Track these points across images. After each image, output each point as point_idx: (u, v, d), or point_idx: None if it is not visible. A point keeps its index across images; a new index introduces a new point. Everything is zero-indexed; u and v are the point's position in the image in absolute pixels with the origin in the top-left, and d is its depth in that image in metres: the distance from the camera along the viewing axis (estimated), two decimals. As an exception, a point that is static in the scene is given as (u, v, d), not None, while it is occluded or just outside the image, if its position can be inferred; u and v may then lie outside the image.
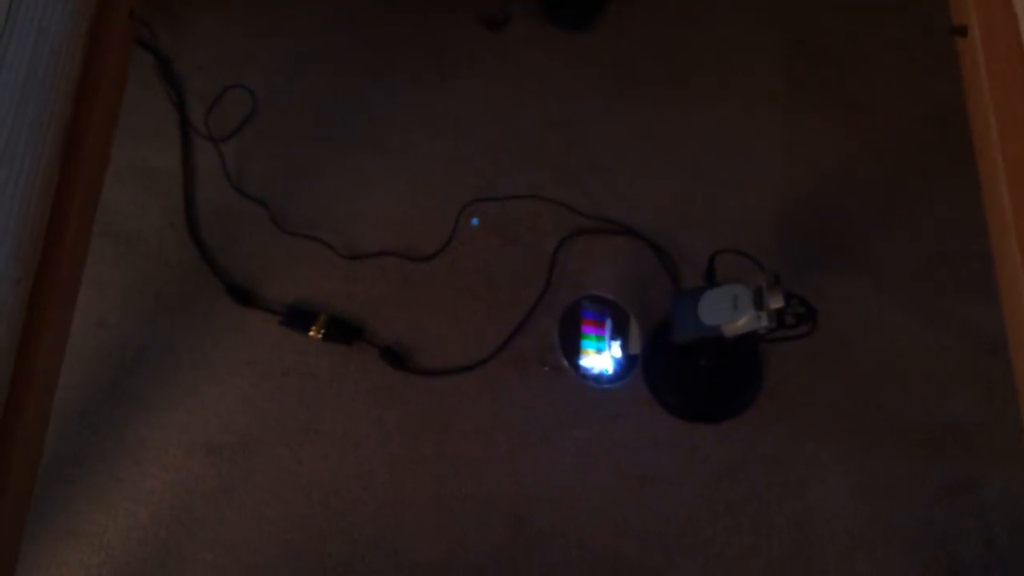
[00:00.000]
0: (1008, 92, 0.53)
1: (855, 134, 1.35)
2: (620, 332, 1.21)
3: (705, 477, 1.17)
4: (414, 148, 1.34)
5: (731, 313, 1.02)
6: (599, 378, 1.20)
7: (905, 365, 1.22)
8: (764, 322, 1.00)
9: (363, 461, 1.18)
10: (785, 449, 1.18)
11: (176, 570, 1.13)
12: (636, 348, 1.21)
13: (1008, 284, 0.53)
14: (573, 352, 1.20)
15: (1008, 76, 0.53)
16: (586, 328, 1.20)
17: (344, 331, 1.23)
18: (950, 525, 1.14)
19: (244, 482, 1.17)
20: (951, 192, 1.30)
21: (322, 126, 1.36)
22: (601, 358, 1.19)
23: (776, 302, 0.99)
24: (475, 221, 1.24)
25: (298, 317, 1.23)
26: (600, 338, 1.19)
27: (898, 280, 1.26)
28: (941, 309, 1.25)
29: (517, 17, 1.42)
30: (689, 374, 1.21)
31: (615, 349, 1.20)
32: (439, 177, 1.33)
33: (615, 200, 1.31)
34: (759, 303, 1.00)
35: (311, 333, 1.22)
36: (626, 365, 1.20)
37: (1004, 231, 0.52)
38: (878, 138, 1.35)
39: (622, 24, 1.42)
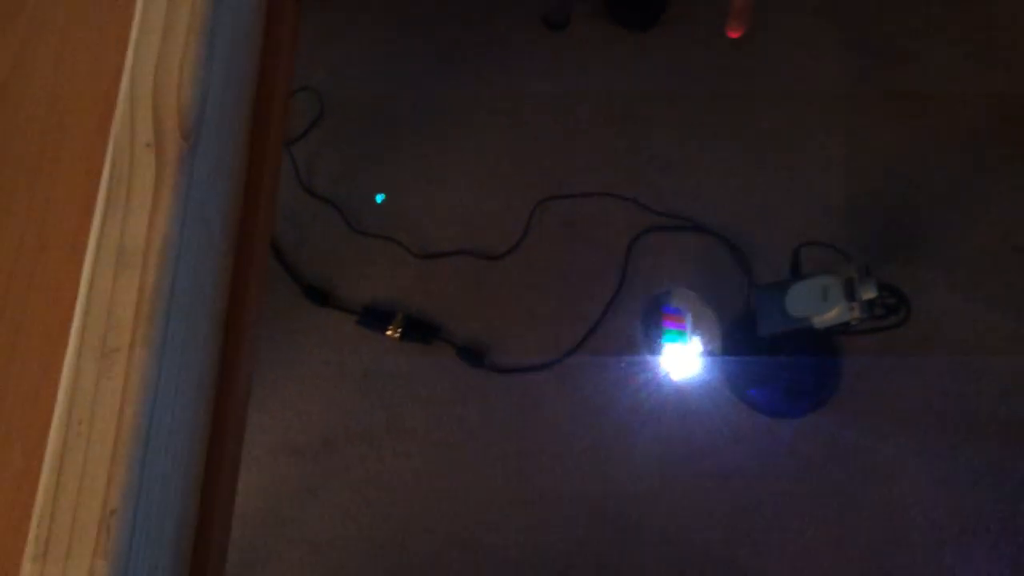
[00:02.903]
0: None
1: (919, 127, 1.35)
2: (699, 327, 1.21)
3: (788, 471, 1.17)
4: (482, 147, 1.35)
5: (821, 305, 1.02)
6: (679, 373, 1.20)
7: (981, 357, 1.22)
8: (856, 313, 1.00)
9: (444, 458, 1.18)
10: (867, 442, 1.18)
11: (263, 570, 1.13)
12: (715, 343, 1.21)
13: None
14: (653, 347, 1.20)
15: None
16: (667, 323, 1.20)
17: (421, 330, 1.23)
18: (1036, 516, 1.14)
19: (327, 481, 1.17)
20: (1013, 183, 1.30)
21: (390, 127, 1.37)
22: (681, 353, 1.19)
23: (869, 292, 1.00)
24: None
25: (375, 317, 1.24)
26: (681, 332, 1.19)
27: (970, 272, 1.26)
28: (1014, 301, 1.25)
29: (580, 18, 1.42)
30: (769, 369, 1.21)
31: (695, 344, 1.20)
32: (508, 175, 1.33)
33: (684, 196, 1.31)
34: (850, 294, 1.00)
35: (389, 332, 1.22)
36: (706, 360, 1.20)
37: None
38: (942, 132, 1.35)
39: (684, 25, 1.42)
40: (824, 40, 1.41)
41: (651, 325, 1.22)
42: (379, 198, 1.27)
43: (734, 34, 0.81)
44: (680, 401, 1.20)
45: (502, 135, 1.36)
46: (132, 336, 0.40)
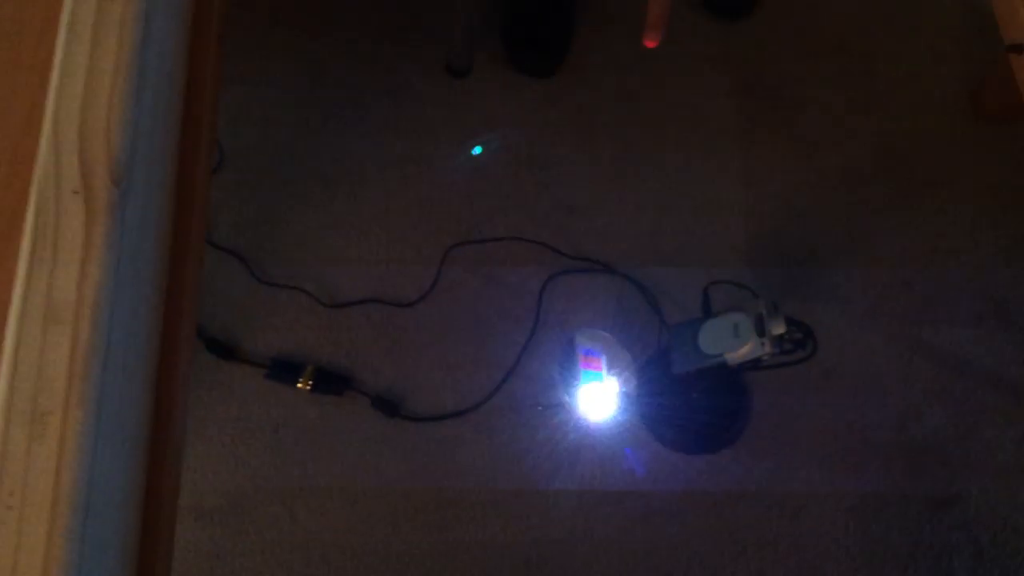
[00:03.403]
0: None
1: (810, 169, 1.41)
2: (615, 367, 1.21)
3: (705, 508, 1.18)
4: (389, 194, 1.34)
5: (733, 342, 1.04)
6: (596, 414, 1.20)
7: (880, 387, 1.27)
8: (767, 348, 1.03)
9: (361, 513, 1.14)
10: (779, 475, 1.20)
11: (170, 644, 1.06)
12: (631, 383, 1.22)
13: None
14: (570, 389, 1.20)
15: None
16: (583, 365, 1.20)
17: (333, 381, 1.19)
18: (940, 540, 1.18)
19: (236, 545, 1.11)
20: (899, 220, 1.37)
21: (292, 174, 1.34)
22: (598, 394, 1.20)
23: (778, 328, 1.02)
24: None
25: (284, 369, 1.19)
26: (596, 374, 1.20)
27: (864, 306, 1.32)
28: (905, 333, 1.31)
29: (483, 65, 1.43)
30: (681, 407, 1.22)
31: (611, 384, 1.20)
32: (417, 222, 1.32)
33: (592, 239, 1.33)
34: (760, 330, 1.03)
35: (299, 385, 1.18)
36: (621, 401, 1.21)
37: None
38: (831, 173, 1.41)
39: (585, 72, 1.45)
40: (718, 88, 1.46)
41: (567, 367, 1.22)
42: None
43: (651, 43, 0.84)
44: (597, 442, 1.20)
45: (409, 181, 1.35)
46: (66, 397, 0.37)
